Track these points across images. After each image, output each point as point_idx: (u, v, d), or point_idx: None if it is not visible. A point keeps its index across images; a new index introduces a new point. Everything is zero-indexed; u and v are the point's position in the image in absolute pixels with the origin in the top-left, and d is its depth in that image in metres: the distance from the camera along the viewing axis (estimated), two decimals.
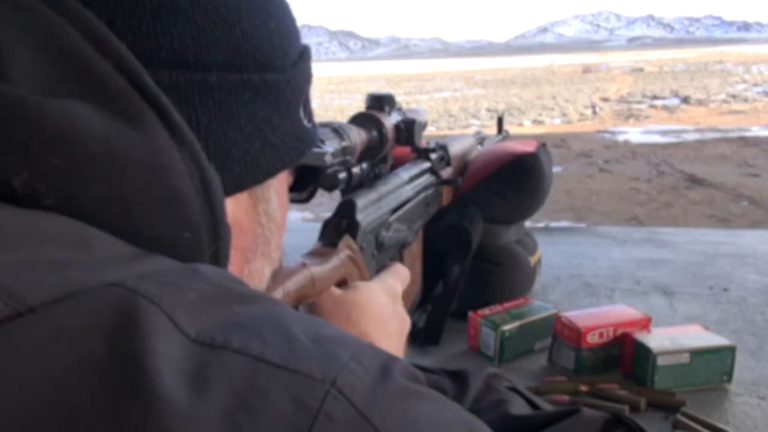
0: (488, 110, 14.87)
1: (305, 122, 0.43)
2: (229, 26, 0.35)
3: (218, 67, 0.35)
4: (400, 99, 0.83)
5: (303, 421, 0.23)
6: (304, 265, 0.55)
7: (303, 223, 3.59)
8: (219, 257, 0.34)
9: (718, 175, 7.21)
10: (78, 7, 0.30)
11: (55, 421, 0.21)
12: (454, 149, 1.08)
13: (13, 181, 0.26)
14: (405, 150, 0.99)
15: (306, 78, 0.42)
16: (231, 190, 0.37)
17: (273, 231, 0.44)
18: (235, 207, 0.39)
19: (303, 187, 0.53)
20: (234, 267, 0.41)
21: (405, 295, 0.87)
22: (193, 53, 0.34)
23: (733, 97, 16.95)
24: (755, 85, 20.74)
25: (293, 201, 0.52)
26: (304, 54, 0.42)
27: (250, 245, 0.42)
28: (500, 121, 1.40)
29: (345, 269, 0.62)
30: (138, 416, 0.22)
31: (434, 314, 1.01)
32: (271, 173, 0.40)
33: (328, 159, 0.52)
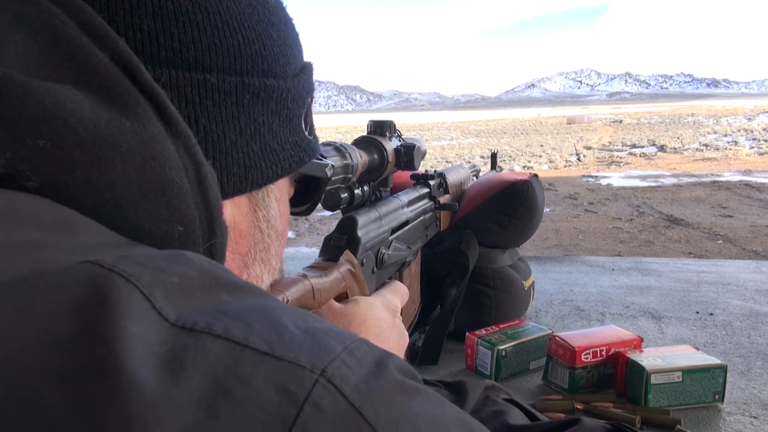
0: (482, 157, 14.98)
1: (306, 134, 0.40)
2: (231, 30, 0.33)
3: (219, 68, 0.32)
4: None
5: (288, 410, 0.20)
6: (304, 277, 0.52)
7: (314, 249, 3.55)
8: (214, 255, 0.30)
9: (695, 216, 7.18)
10: (76, 0, 0.27)
11: (9, 404, 0.18)
12: (452, 178, 1.05)
13: None
14: (405, 177, 0.96)
15: (307, 91, 0.40)
16: (230, 191, 0.34)
17: (273, 238, 0.41)
18: (234, 211, 0.36)
19: (304, 201, 0.49)
20: (233, 272, 0.38)
21: (404, 314, 0.83)
22: (194, 54, 0.31)
23: (706, 146, 17.05)
24: (725, 135, 20.90)
25: (294, 213, 0.48)
26: (306, 68, 0.40)
27: (248, 250, 0.39)
28: (494, 157, 1.38)
29: (345, 283, 0.59)
30: (102, 401, 0.18)
31: (432, 334, 0.96)
32: (270, 178, 0.36)
33: (329, 171, 0.49)
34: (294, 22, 0.40)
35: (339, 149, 0.60)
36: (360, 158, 0.64)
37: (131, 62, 0.28)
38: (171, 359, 0.20)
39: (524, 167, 13.31)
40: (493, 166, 1.34)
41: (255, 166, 0.35)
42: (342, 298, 0.58)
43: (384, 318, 0.57)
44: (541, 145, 19.13)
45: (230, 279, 0.25)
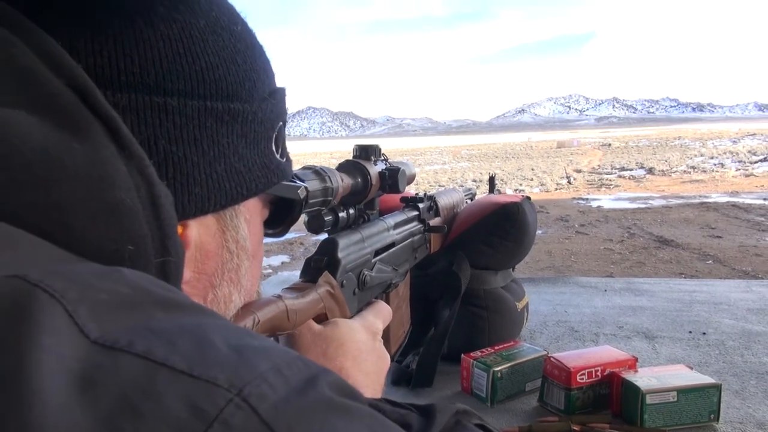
0: (474, 181, 15.06)
1: (277, 156, 0.41)
2: (194, 56, 0.33)
3: (180, 93, 0.33)
4: None
5: (195, 427, 0.20)
6: (279, 298, 0.52)
7: None
8: (167, 273, 0.31)
9: (684, 237, 7.20)
10: (36, 29, 0.28)
11: None
12: (443, 201, 1.05)
13: None
14: (396, 200, 0.95)
15: (278, 115, 0.40)
16: (192, 211, 0.34)
17: (243, 258, 0.41)
18: (201, 231, 0.37)
19: (279, 222, 0.49)
20: (198, 291, 0.38)
21: (392, 336, 0.81)
22: (155, 78, 0.32)
23: (693, 168, 17.20)
24: (711, 157, 21.09)
25: (268, 235, 0.48)
26: (276, 93, 0.41)
27: (215, 270, 0.39)
28: (492, 180, 1.36)
29: (324, 304, 0.58)
30: (3, 409, 0.18)
31: (426, 356, 0.95)
32: (235, 199, 0.37)
33: (302, 193, 0.49)
34: (264, 48, 0.41)
35: (318, 172, 0.60)
36: (341, 181, 0.64)
37: (87, 87, 0.28)
38: (83, 377, 0.20)
39: (516, 190, 13.37)
40: (492, 189, 1.33)
41: (218, 186, 0.35)
42: (321, 319, 0.58)
43: (363, 340, 0.57)
44: (532, 169, 19.26)
45: (167, 296, 0.25)
